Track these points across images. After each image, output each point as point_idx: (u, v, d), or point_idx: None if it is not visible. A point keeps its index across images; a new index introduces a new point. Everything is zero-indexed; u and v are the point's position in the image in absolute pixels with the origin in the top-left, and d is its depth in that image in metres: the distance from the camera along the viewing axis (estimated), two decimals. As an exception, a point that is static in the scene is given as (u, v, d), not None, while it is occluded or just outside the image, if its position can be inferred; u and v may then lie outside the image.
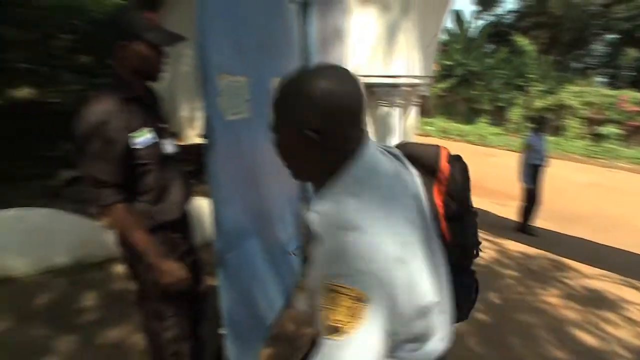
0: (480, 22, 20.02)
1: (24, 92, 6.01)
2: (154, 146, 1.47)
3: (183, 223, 1.69)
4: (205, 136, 1.42)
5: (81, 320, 2.64)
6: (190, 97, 5.21)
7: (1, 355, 2.28)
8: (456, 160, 1.12)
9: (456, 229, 1.09)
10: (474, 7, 29.16)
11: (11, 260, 3.00)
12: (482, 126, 15.67)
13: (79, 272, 3.14)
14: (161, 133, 1.53)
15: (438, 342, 0.92)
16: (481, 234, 1.24)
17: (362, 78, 3.93)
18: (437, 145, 1.15)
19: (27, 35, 3.81)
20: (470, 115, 16.60)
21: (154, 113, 1.57)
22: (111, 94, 1.41)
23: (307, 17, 2.58)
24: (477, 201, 6.21)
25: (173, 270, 1.50)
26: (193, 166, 1.73)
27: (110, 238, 2.70)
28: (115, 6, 6.57)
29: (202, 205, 3.61)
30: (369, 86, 4.04)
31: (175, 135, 1.66)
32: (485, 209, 6.17)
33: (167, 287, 1.51)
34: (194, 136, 5.50)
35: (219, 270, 1.55)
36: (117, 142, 1.37)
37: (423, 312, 0.85)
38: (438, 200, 1.08)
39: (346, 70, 0.85)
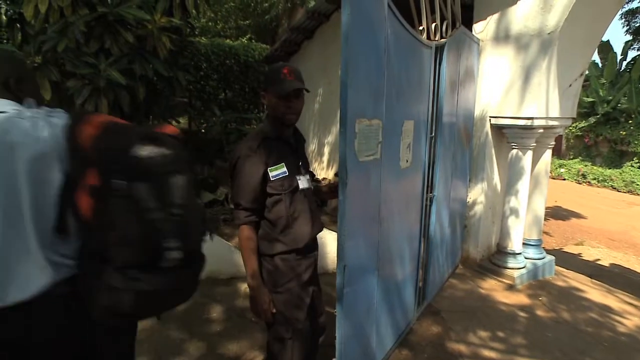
0: (635, 53, 17.45)
1: (182, 123, 7.15)
2: (286, 180, 1.62)
3: (308, 253, 1.76)
4: (338, 175, 1.50)
5: (207, 329, 2.91)
6: (319, 132, 5.55)
7: (141, 351, 2.61)
8: (109, 130, 1.03)
9: (103, 210, 1.01)
10: (627, 37, 25.57)
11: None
12: (631, 171, 13.36)
13: (209, 285, 3.49)
14: (298, 169, 1.68)
15: None
16: (623, 297, 0.99)
17: (492, 119, 3.75)
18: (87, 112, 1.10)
19: (190, 76, 4.55)
20: (614, 158, 14.33)
21: (294, 151, 1.71)
22: (257, 134, 1.66)
23: (441, 60, 2.58)
24: (620, 257, 5.19)
25: (262, 301, 1.61)
26: (317, 199, 1.84)
27: (238, 258, 2.96)
28: (261, 50, 7.49)
29: (320, 236, 3.75)
30: (499, 127, 3.80)
31: (312, 173, 1.78)
32: (629, 267, 5.17)
33: (253, 314, 1.65)
34: (319, 170, 5.84)
35: (338, 303, 1.57)
36: (254, 174, 1.58)
37: None
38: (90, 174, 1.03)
39: None
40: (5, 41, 4.37)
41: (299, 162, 1.69)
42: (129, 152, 1.00)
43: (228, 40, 8.19)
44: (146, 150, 1.02)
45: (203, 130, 7.28)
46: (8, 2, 3.49)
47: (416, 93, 2.20)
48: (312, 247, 1.77)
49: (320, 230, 1.77)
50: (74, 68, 3.32)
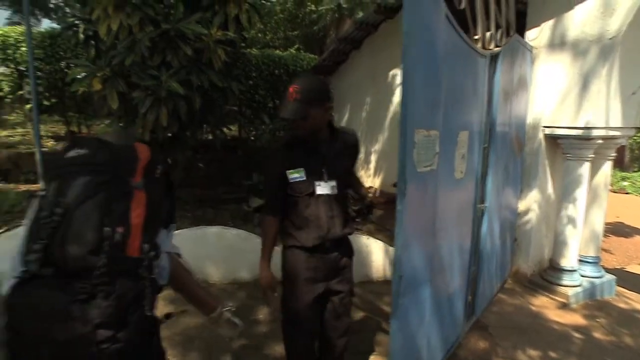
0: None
1: (233, 130, 7.39)
2: (303, 184, 1.70)
3: (322, 253, 1.77)
4: (397, 185, 1.48)
5: (254, 330, 2.95)
6: (366, 141, 5.51)
7: (191, 347, 2.69)
8: None
9: None
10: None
11: (209, 269, 3.62)
12: None
13: (257, 288, 3.54)
14: (319, 175, 1.71)
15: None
16: None
17: (545, 129, 3.58)
18: None
19: (242, 86, 4.69)
20: (687, 173, 13.13)
21: (321, 157, 1.73)
22: (283, 138, 1.81)
23: (495, 69, 2.51)
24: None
25: (267, 280, 1.77)
26: (359, 206, 1.89)
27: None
28: (309, 60, 7.61)
29: (366, 244, 3.73)
30: (554, 138, 3.61)
31: (334, 179, 1.76)
32: None
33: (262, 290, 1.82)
34: (366, 177, 5.82)
35: (392, 314, 1.55)
36: (273, 174, 1.75)
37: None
38: None
39: None
40: (80, 56, 4.74)
41: (323, 169, 1.72)
42: (64, 154, 1.02)
43: (277, 51, 8.36)
44: (70, 153, 1.01)
45: (252, 138, 7.48)
46: (86, 22, 3.79)
47: (471, 103, 2.15)
48: (329, 249, 1.78)
49: (341, 235, 1.78)
50: (139, 80, 3.54)
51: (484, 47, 2.42)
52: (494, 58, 2.53)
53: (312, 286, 1.76)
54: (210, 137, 4.96)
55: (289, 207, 1.75)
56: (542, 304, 3.55)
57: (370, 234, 4.22)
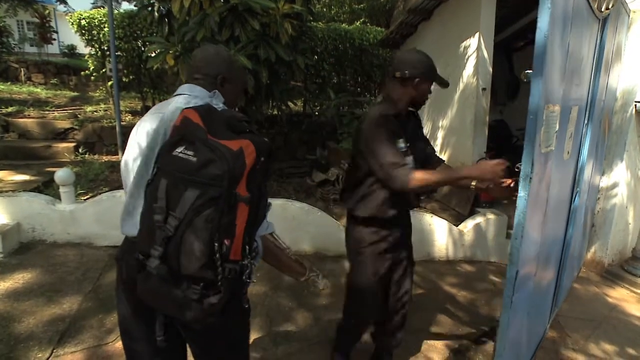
0: None
1: (299, 105, 7.17)
2: (405, 154, 1.59)
3: (394, 224, 1.72)
4: (522, 168, 1.20)
5: (314, 301, 2.82)
6: (433, 115, 5.06)
7: (254, 312, 2.60)
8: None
9: None
10: None
11: (273, 239, 3.52)
12: None
13: (318, 261, 3.41)
14: (406, 150, 1.60)
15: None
16: None
17: (638, 104, 3.02)
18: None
19: (307, 60, 4.41)
20: None
21: (405, 133, 1.63)
22: (388, 111, 1.61)
23: (603, 35, 2.06)
24: None
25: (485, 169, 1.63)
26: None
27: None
28: (376, 33, 7.11)
29: (429, 222, 3.45)
30: (653, 114, 3.06)
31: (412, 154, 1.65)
32: None
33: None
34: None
35: (504, 310, 1.30)
36: (391, 139, 1.57)
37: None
38: None
39: None
40: (154, 34, 4.70)
41: (408, 144, 1.64)
42: (173, 147, 0.94)
43: (344, 25, 7.88)
44: (178, 149, 0.92)
45: (317, 113, 7.22)
46: (160, 0, 3.69)
47: (584, 75, 1.76)
48: (401, 220, 1.75)
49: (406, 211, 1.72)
50: (209, 55, 3.40)
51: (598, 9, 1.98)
52: (603, 22, 2.08)
53: (387, 255, 1.75)
54: (275, 111, 4.80)
55: None
56: (620, 296, 3.13)
57: (434, 212, 3.91)
